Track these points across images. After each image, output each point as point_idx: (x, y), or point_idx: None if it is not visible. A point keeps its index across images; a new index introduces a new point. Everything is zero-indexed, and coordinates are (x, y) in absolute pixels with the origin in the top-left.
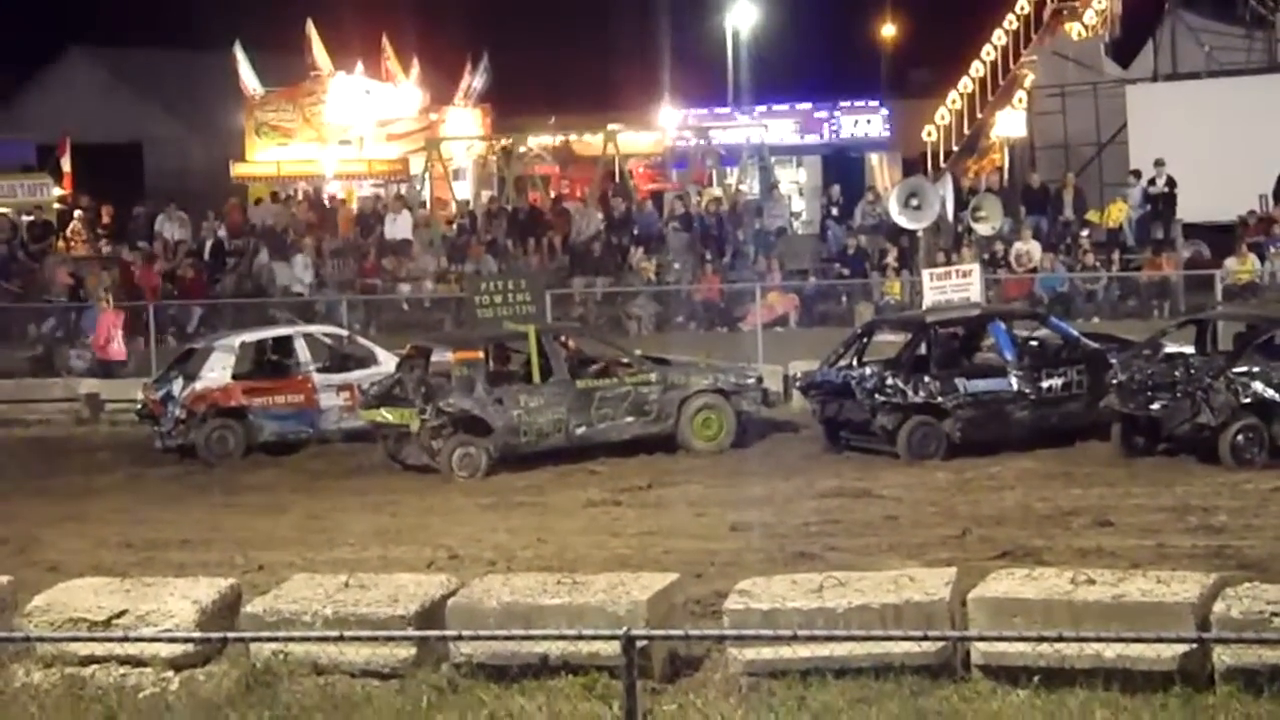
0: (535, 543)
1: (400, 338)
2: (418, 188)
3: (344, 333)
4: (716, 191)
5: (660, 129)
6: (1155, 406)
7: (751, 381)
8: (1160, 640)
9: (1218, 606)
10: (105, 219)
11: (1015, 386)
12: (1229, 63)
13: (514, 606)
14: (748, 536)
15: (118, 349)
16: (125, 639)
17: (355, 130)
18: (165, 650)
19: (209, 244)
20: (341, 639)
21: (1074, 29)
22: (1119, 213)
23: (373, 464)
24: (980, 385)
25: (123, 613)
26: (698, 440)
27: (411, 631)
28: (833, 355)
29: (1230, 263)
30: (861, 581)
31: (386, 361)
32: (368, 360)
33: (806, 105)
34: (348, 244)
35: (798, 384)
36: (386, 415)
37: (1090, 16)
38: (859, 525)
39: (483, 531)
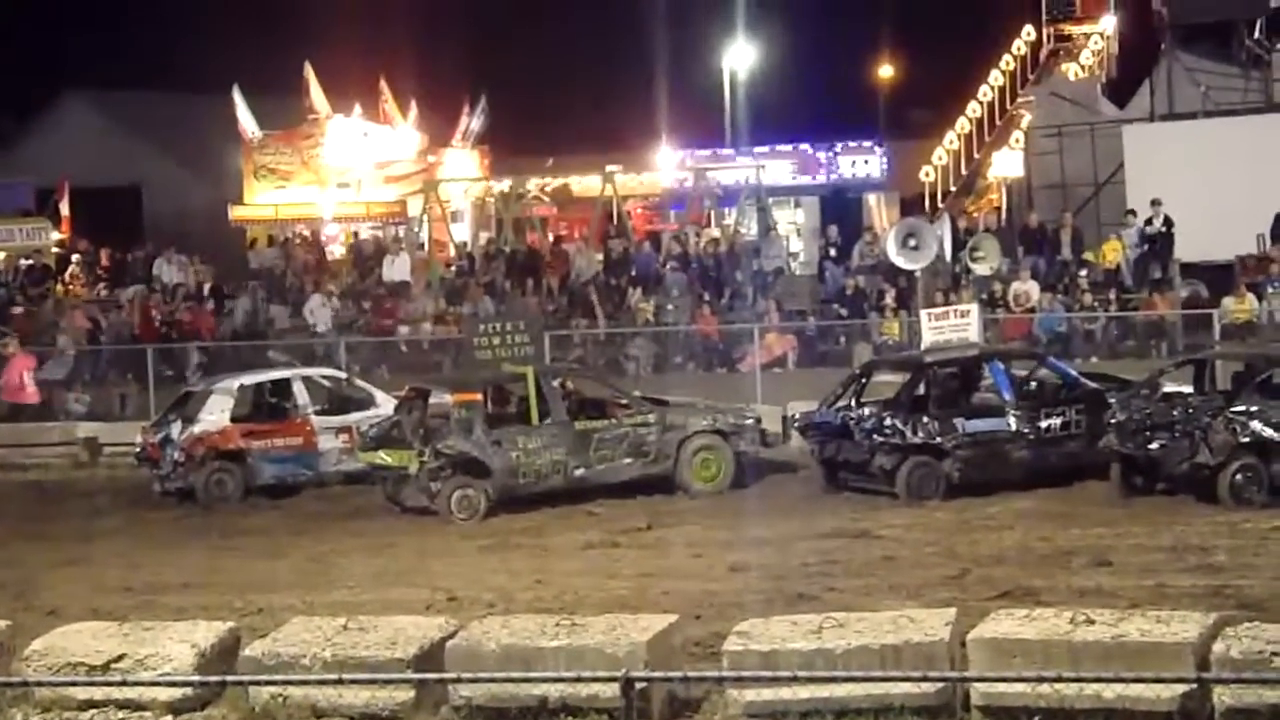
0: (534, 584)
1: (399, 379)
2: (416, 230)
3: (342, 375)
4: (714, 232)
5: (658, 170)
6: (1154, 446)
7: (750, 422)
8: (1160, 680)
9: (1217, 646)
10: (104, 262)
11: (1014, 426)
12: (1226, 103)
13: (513, 649)
14: (747, 577)
15: (31, 392)
16: (124, 683)
17: (353, 173)
18: (164, 694)
19: (207, 287)
20: (340, 682)
21: (1070, 69)
22: (1116, 252)
23: (371, 506)
24: (979, 425)
25: (121, 656)
26: (696, 481)
27: (410, 674)
28: (831, 396)
29: (1228, 302)
30: (861, 622)
31: (385, 403)
32: (366, 402)
33: (804, 146)
34: (347, 286)
35: (796, 425)
36: (385, 457)
37: (1087, 57)
38: (858, 566)
39: (481, 573)
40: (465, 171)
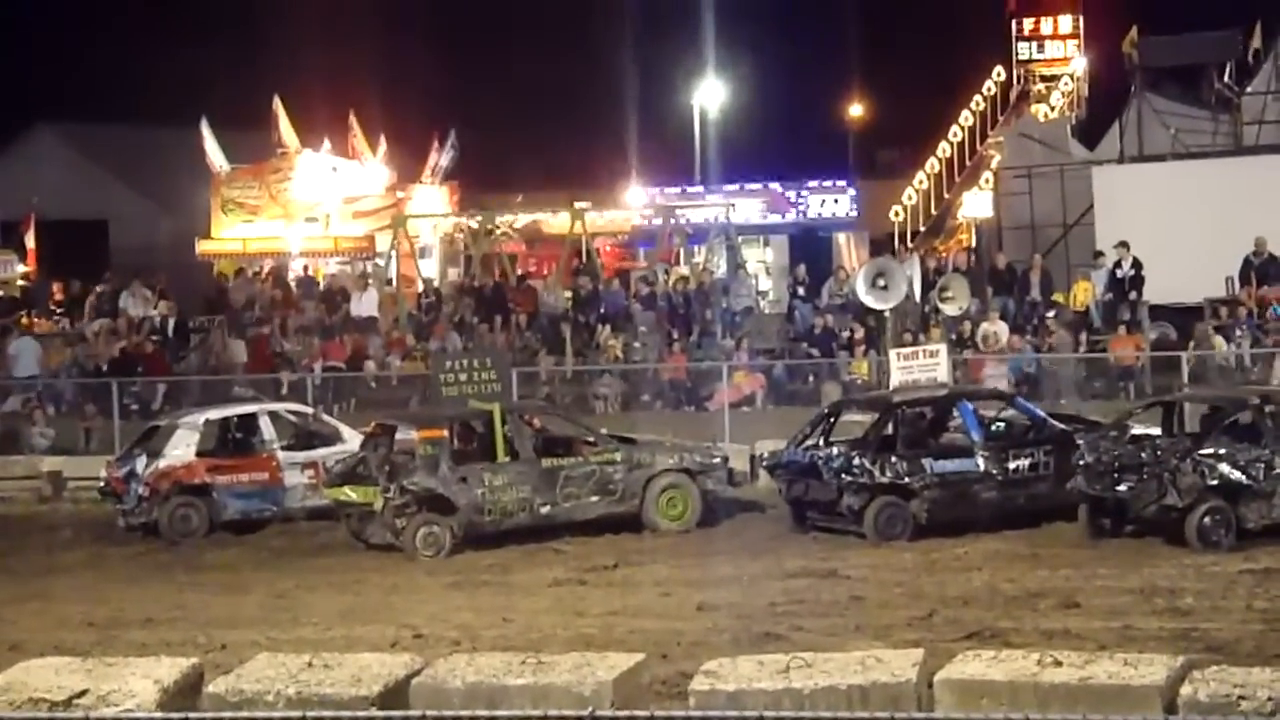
0: (500, 622)
1: (365, 416)
2: (384, 265)
3: (309, 410)
4: (683, 270)
5: (627, 207)
6: (1122, 488)
7: (717, 461)
8: None
9: (1185, 689)
10: (68, 295)
11: (982, 467)
12: (1195, 145)
13: (478, 687)
14: (714, 617)
15: None
16: (86, 719)
17: (322, 207)
18: None
19: (172, 321)
20: (304, 719)
21: (1040, 111)
22: (1085, 294)
23: (337, 542)
24: (947, 466)
25: (84, 692)
26: (663, 520)
27: (375, 712)
28: (799, 435)
29: (1204, 344)
30: (828, 663)
31: (351, 439)
32: (332, 438)
33: (774, 184)
34: (314, 322)
35: (764, 464)
36: (350, 494)
37: (1057, 98)
38: (825, 606)
39: (447, 611)
40: (434, 207)
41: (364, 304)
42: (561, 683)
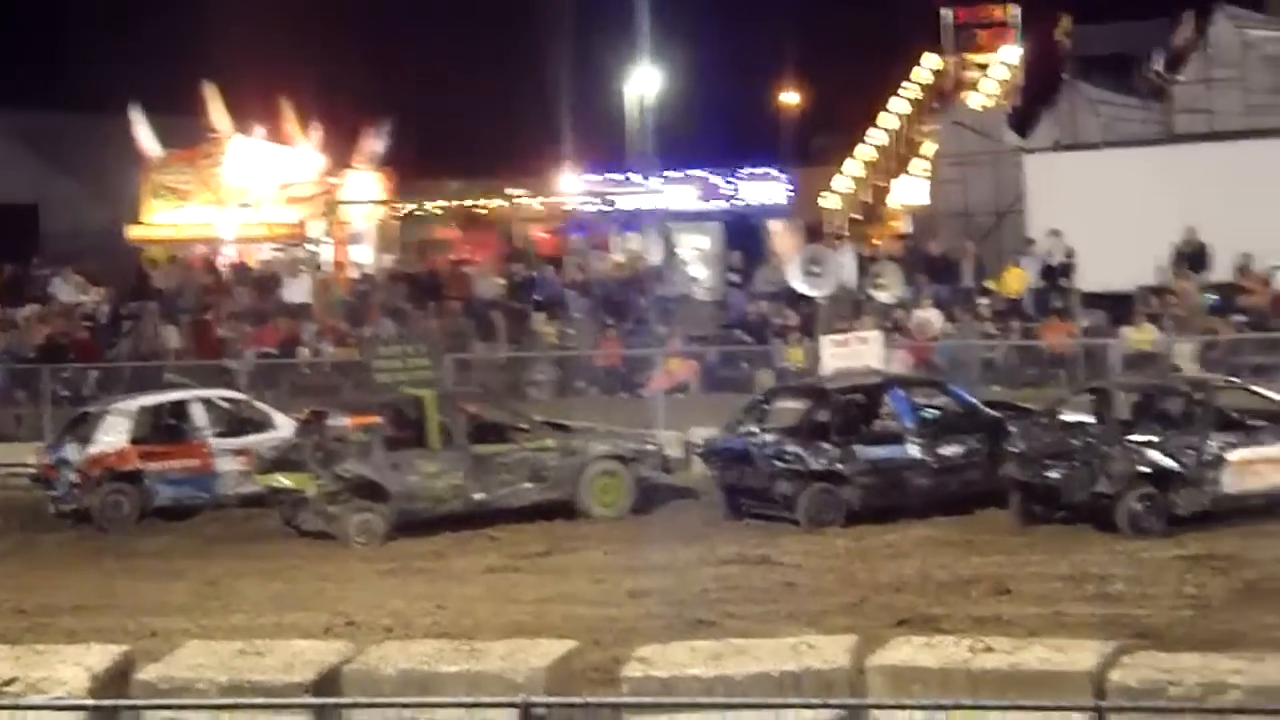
0: (433, 609)
1: (298, 402)
2: (317, 251)
3: (242, 397)
4: (618, 257)
5: (562, 194)
6: (1053, 475)
7: (651, 448)
8: (1058, 709)
9: (1115, 675)
10: None
11: (914, 454)
12: (1126, 134)
13: (411, 674)
14: (647, 603)
15: None
16: (15, 706)
17: (254, 193)
18: (57, 718)
19: (105, 307)
20: (236, 707)
21: (974, 99)
22: (1018, 281)
23: (269, 530)
24: (879, 452)
25: (13, 680)
26: (597, 506)
27: (308, 699)
28: (733, 422)
29: (1128, 332)
30: (760, 649)
31: (284, 426)
32: (265, 425)
33: (708, 171)
34: (246, 308)
35: (698, 450)
36: (283, 480)
37: (991, 86)
38: (759, 592)
39: (380, 598)
40: (367, 193)
41: (297, 290)
42: (494, 670)
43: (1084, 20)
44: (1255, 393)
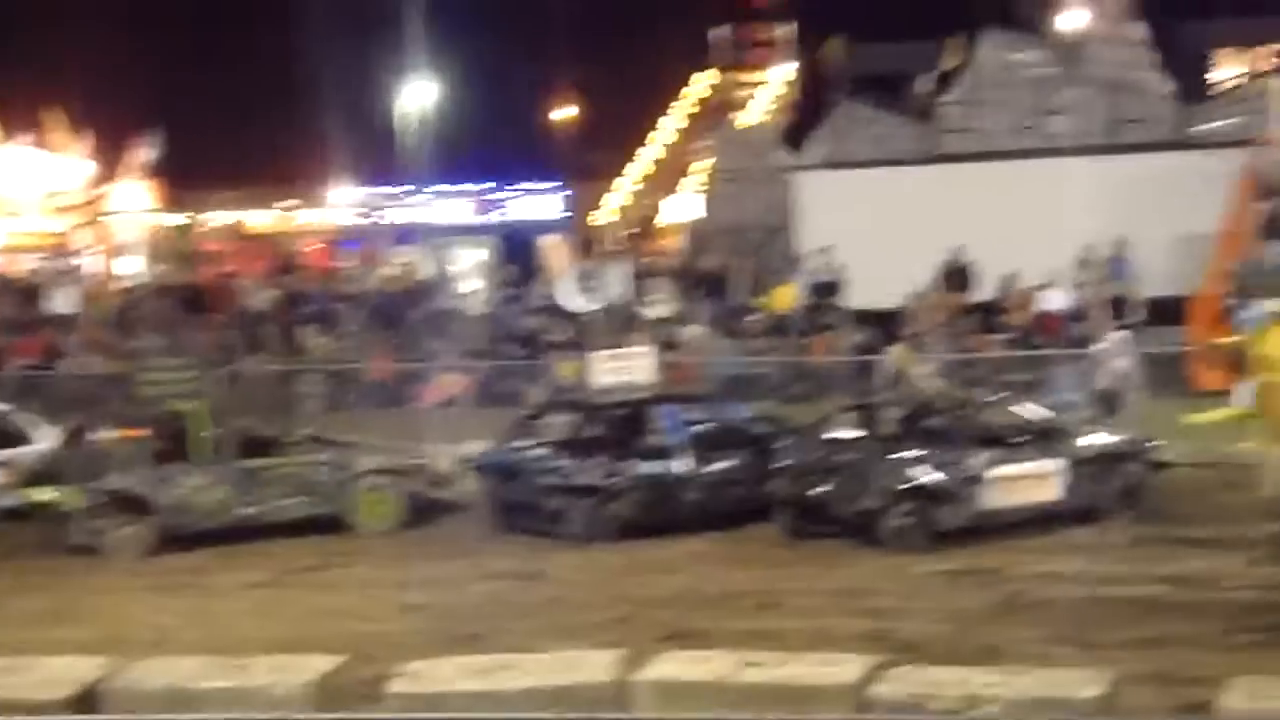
0: (199, 624)
1: (63, 415)
2: (83, 262)
3: (4, 408)
4: (390, 270)
5: (334, 207)
6: (820, 490)
7: (422, 462)
8: None
9: (877, 688)
10: None
11: (684, 469)
12: (894, 152)
13: (175, 690)
14: (416, 618)
15: None
16: None
17: (20, 202)
18: None
19: None
20: None
21: (747, 116)
22: (788, 298)
23: (31, 543)
24: (649, 468)
25: None
26: (367, 521)
27: (69, 715)
28: (505, 436)
29: (895, 349)
30: (529, 664)
31: (48, 439)
32: (27, 438)
33: (482, 185)
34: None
35: (469, 465)
36: (47, 494)
37: (765, 103)
38: (528, 607)
39: (145, 613)
40: (137, 204)
41: (62, 301)
42: (259, 685)
43: (856, 40)
44: (1017, 410)
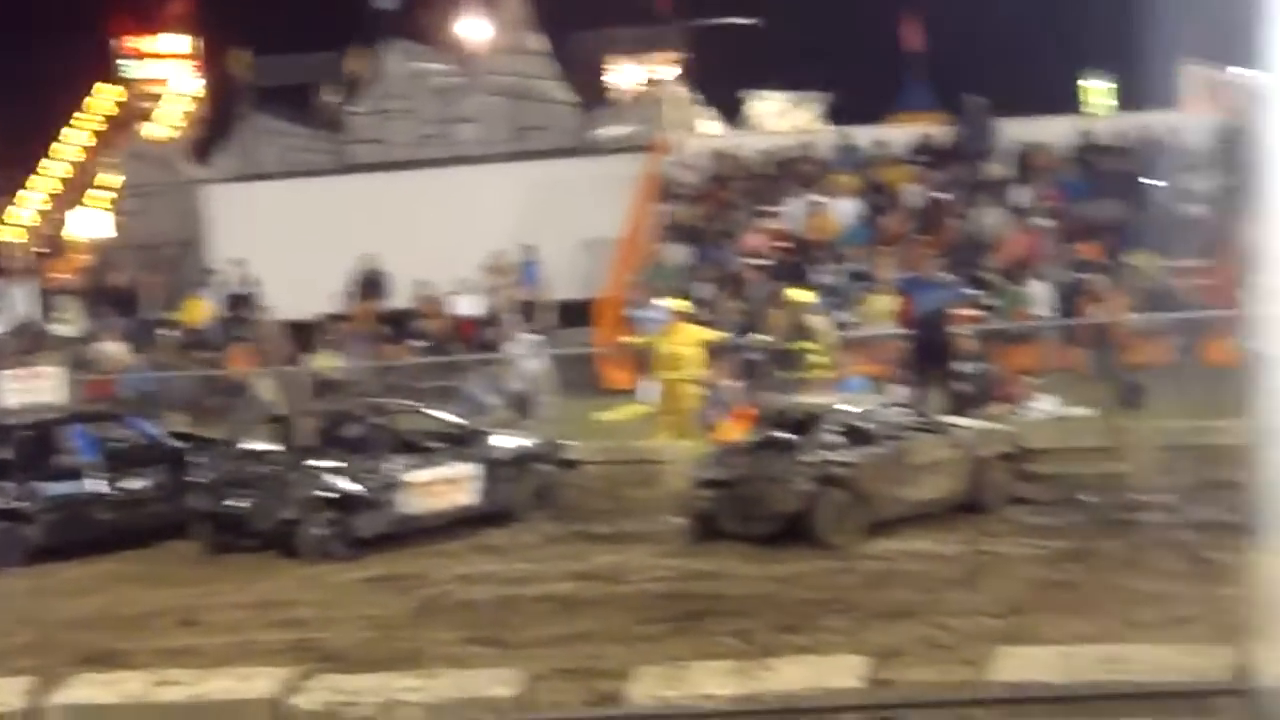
0: None
1: None
2: None
3: None
4: None
5: None
6: (238, 503)
7: None
8: None
9: (295, 700)
10: None
11: (97, 488)
12: (305, 163)
13: None
14: None
15: None
16: None
17: None
18: None
19: None
20: None
21: (152, 129)
22: (200, 311)
23: None
24: (61, 488)
25: None
26: None
27: None
28: None
29: (314, 359)
30: None
31: None
32: None
33: None
34: None
35: None
36: None
37: (169, 117)
38: None
39: None
40: None
41: None
42: None
43: (261, 52)
44: (432, 415)
